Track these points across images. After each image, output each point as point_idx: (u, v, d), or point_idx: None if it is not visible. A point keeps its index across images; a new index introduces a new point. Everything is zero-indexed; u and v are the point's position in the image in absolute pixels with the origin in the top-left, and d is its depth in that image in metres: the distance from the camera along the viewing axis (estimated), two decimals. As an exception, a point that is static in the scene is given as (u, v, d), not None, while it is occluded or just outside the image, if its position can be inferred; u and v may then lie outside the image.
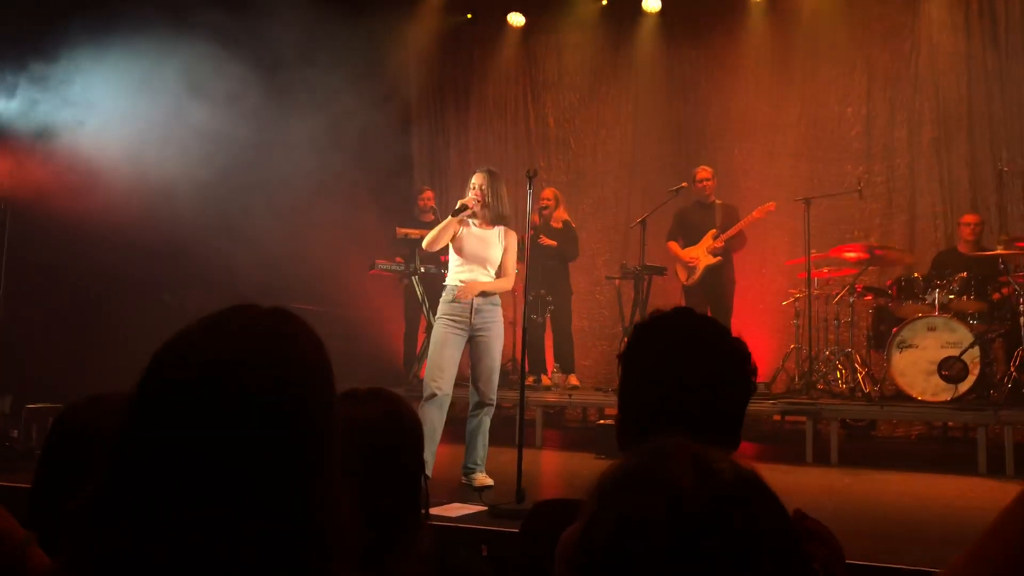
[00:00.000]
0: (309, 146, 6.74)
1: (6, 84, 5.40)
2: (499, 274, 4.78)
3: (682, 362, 1.41)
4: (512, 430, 6.19)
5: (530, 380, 6.90)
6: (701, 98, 8.50)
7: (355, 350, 6.63)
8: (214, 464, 0.84)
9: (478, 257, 4.71)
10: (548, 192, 7.56)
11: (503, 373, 7.63)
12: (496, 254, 4.75)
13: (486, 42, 9.18)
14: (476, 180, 4.75)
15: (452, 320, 4.65)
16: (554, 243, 7.22)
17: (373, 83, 7.72)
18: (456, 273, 4.74)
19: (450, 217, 4.69)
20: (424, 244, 4.79)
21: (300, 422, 0.89)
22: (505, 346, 8.13)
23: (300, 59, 6.51)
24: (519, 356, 5.07)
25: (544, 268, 7.22)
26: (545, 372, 7.42)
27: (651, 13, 8.53)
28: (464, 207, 4.68)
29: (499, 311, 4.78)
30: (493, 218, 4.73)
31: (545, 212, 7.41)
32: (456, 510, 3.86)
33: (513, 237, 4.83)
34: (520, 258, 7.38)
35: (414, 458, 1.46)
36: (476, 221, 4.75)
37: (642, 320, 1.53)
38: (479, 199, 4.68)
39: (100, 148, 5.63)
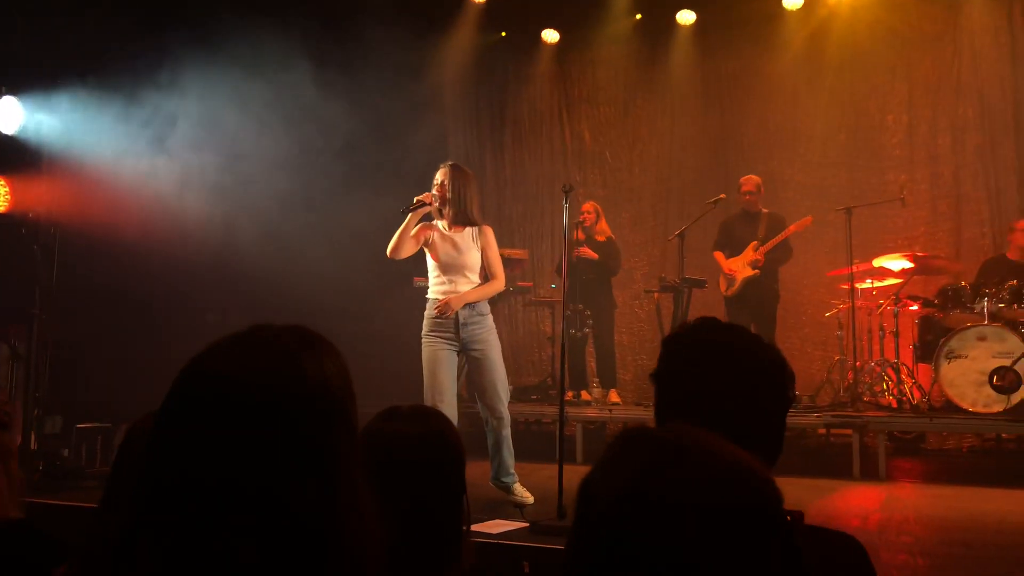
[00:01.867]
0: (346, 167, 6.83)
1: (53, 107, 5.55)
2: (485, 277, 4.43)
3: (712, 375, 1.39)
4: (552, 446, 6.16)
5: (570, 395, 6.87)
6: (738, 109, 8.45)
7: (392, 366, 6.66)
8: (235, 478, 0.87)
9: (454, 265, 4.36)
10: (588, 205, 7.52)
11: (543, 388, 7.65)
12: (474, 258, 4.38)
13: (520, 59, 9.22)
14: (438, 176, 4.37)
15: (439, 337, 4.33)
16: (595, 255, 7.18)
17: (408, 102, 7.81)
18: (436, 285, 4.41)
19: (407, 216, 4.29)
20: (388, 252, 4.39)
21: (319, 436, 0.91)
22: (544, 360, 8.23)
23: (336, 82, 6.60)
24: (558, 371, 4.97)
25: (583, 283, 7.20)
26: (586, 387, 7.39)
27: (685, 26, 8.50)
28: (421, 203, 4.29)
29: (488, 319, 4.43)
30: (458, 218, 4.36)
31: (586, 225, 7.38)
32: (497, 527, 3.84)
33: (490, 234, 4.44)
34: (559, 273, 7.39)
35: (456, 475, 1.46)
36: (444, 223, 4.39)
37: (668, 335, 1.51)
38: (440, 195, 4.33)
39: (145, 172, 5.76)
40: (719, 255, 7.01)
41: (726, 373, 1.39)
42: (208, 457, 0.87)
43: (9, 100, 5.35)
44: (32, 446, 5.20)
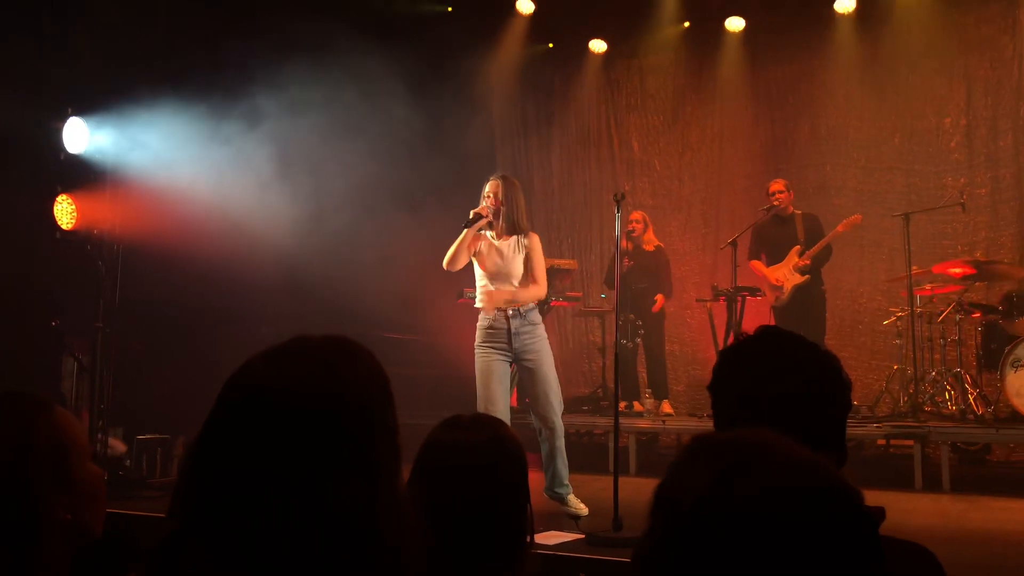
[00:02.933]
0: (395, 179, 6.89)
1: (117, 126, 5.71)
2: (527, 283, 4.46)
3: (770, 385, 1.39)
4: (604, 458, 6.14)
5: (622, 406, 6.82)
6: (789, 115, 8.34)
7: (445, 377, 6.70)
8: (278, 481, 0.89)
9: (501, 273, 4.41)
10: (636, 215, 7.51)
11: (594, 399, 7.61)
12: (519, 266, 4.44)
13: (568, 69, 9.24)
14: (490, 187, 4.44)
15: (492, 348, 4.37)
16: (662, 304, 7.25)
17: (457, 114, 7.87)
18: (483, 294, 4.48)
19: (464, 230, 4.38)
20: (444, 263, 4.46)
21: (357, 438, 0.94)
22: (595, 371, 8.19)
23: (384, 95, 6.68)
24: (611, 382, 4.92)
25: (634, 292, 7.17)
26: (638, 398, 7.33)
27: (734, 32, 8.43)
28: (478, 216, 4.37)
29: (540, 329, 4.45)
30: (509, 227, 4.43)
31: (634, 235, 7.36)
32: (553, 538, 3.83)
33: (536, 241, 4.49)
34: (611, 283, 7.38)
35: (519, 483, 1.46)
36: (494, 234, 4.47)
37: (724, 347, 1.51)
38: (493, 207, 4.41)
39: (205, 189, 5.89)
40: (757, 264, 6.81)
41: (783, 383, 1.38)
42: (251, 461, 0.90)
43: (75, 121, 5.52)
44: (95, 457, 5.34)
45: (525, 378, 4.47)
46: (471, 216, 4.40)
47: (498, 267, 4.43)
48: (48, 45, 5.43)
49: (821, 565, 0.71)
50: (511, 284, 4.43)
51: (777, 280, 6.65)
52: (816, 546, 0.71)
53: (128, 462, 5.56)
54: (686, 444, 0.84)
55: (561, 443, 4.43)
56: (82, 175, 5.58)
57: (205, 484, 0.92)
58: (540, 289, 4.47)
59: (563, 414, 4.54)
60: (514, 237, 4.47)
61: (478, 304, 4.50)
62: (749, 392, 1.40)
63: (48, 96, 5.46)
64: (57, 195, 5.44)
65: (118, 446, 5.62)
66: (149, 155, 5.75)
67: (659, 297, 7.25)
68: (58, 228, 5.43)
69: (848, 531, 0.74)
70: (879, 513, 1.05)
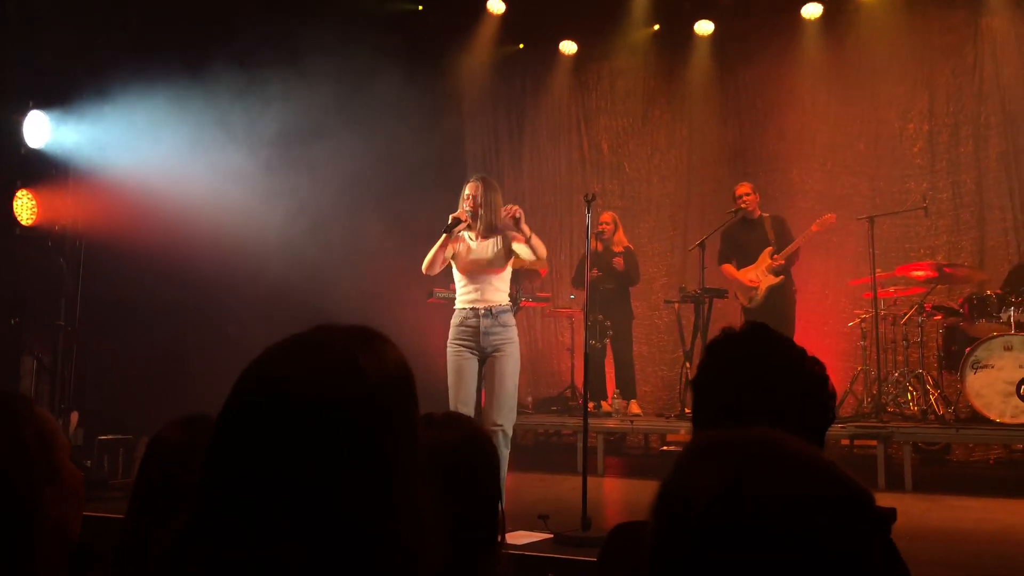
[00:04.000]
0: (365, 179, 6.85)
1: (79, 121, 5.61)
2: (511, 283, 4.51)
3: (757, 387, 1.38)
4: (573, 458, 6.15)
5: (590, 407, 6.83)
6: (757, 119, 8.43)
7: (416, 377, 6.65)
8: (295, 480, 0.85)
9: (482, 273, 4.41)
10: (607, 216, 7.53)
11: (562, 400, 7.63)
12: (499, 265, 4.44)
13: (538, 70, 9.25)
14: (469, 189, 4.45)
15: (462, 345, 4.36)
16: (621, 262, 7.21)
17: (427, 115, 7.84)
18: (463, 295, 4.45)
19: (443, 235, 4.39)
20: (423, 268, 4.46)
21: (377, 437, 0.90)
22: (564, 371, 8.21)
23: (354, 95, 6.63)
24: (580, 383, 4.91)
25: (602, 293, 7.19)
26: (605, 398, 7.35)
27: (703, 36, 8.50)
28: (457, 221, 4.38)
29: (512, 331, 4.41)
30: (487, 229, 4.43)
31: (604, 236, 7.38)
32: (521, 538, 3.82)
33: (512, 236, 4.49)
34: (579, 284, 7.40)
35: (491, 481, 1.45)
36: (472, 235, 4.47)
37: (714, 340, 1.49)
38: (472, 210, 4.41)
39: (169, 186, 5.81)
40: (729, 268, 6.84)
41: (771, 386, 1.37)
42: (267, 458, 0.86)
43: (36, 114, 5.42)
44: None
45: (485, 376, 4.43)
46: (450, 221, 4.38)
47: (477, 268, 4.42)
48: (8, 36, 5.32)
49: (837, 565, 0.71)
50: (490, 284, 4.41)
51: (751, 281, 6.68)
52: (832, 547, 0.71)
53: (88, 463, 5.46)
54: (690, 442, 0.83)
55: (504, 451, 4.34)
56: (43, 170, 5.48)
57: (220, 482, 0.87)
58: (542, 249, 4.42)
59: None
60: (492, 238, 4.46)
61: (458, 307, 4.48)
62: (734, 392, 1.39)
63: (8, 89, 5.34)
64: (17, 190, 5.34)
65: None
66: (112, 150, 5.65)
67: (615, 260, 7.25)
68: (18, 224, 5.32)
69: (864, 532, 0.73)
70: (891, 513, 1.06)
